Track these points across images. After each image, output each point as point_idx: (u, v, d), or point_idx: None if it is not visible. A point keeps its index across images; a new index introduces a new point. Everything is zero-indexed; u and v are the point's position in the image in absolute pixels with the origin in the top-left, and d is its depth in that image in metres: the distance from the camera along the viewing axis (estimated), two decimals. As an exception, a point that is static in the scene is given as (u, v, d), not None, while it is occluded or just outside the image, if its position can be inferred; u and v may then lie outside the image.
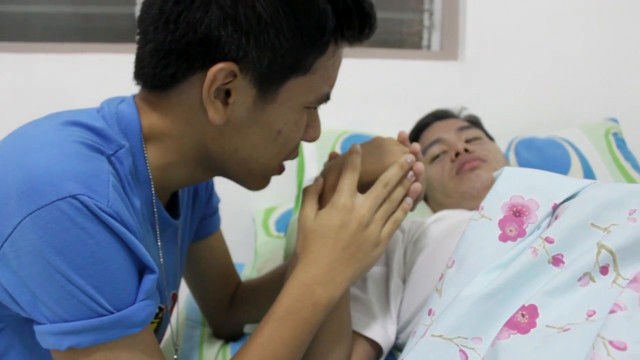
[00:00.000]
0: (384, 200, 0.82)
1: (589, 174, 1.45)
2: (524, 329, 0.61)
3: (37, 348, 0.64)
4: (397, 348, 0.96)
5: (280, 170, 0.82)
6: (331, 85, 0.76)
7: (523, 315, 0.62)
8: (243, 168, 0.77)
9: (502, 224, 0.74)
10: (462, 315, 0.66)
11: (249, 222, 1.62)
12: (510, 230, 0.73)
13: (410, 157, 0.84)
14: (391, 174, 0.83)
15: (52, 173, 0.59)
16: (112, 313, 0.61)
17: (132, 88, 0.80)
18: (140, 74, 0.73)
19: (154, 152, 0.74)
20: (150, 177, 0.74)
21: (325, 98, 0.77)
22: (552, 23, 1.79)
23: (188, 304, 1.22)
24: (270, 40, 0.66)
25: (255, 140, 0.74)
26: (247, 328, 1.10)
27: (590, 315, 0.60)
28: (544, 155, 1.48)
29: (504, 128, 1.65)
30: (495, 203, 0.76)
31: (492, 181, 1.16)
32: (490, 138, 1.37)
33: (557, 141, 1.53)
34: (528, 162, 1.46)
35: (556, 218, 0.72)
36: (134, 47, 0.74)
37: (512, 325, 0.61)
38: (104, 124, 0.71)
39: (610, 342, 0.51)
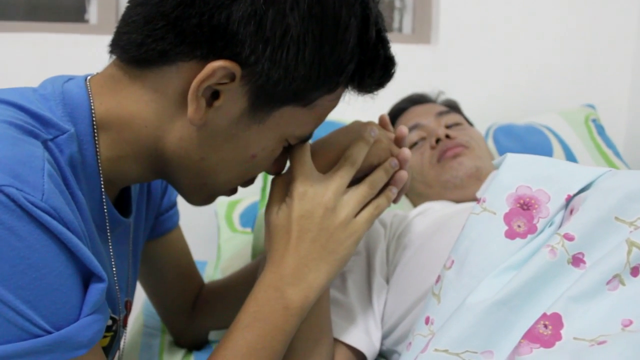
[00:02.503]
0: (359, 181, 0.73)
1: (572, 161, 1.40)
2: (547, 342, 0.52)
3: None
4: (382, 355, 0.87)
5: (231, 193, 0.73)
6: (317, 126, 0.69)
7: (545, 326, 0.53)
8: (199, 180, 0.68)
9: (508, 218, 0.66)
10: (471, 326, 0.58)
11: (211, 215, 1.52)
12: (519, 226, 0.65)
13: (374, 132, 0.74)
14: (354, 149, 0.72)
15: None
16: (50, 333, 0.52)
17: (78, 71, 0.69)
18: (121, 40, 0.62)
19: (106, 141, 0.63)
20: (100, 168, 0.63)
21: (307, 138, 0.70)
22: (528, 6, 1.74)
23: (145, 309, 1.11)
24: (288, 57, 0.59)
25: (225, 156, 0.65)
26: (212, 335, 1.01)
27: (626, 326, 0.51)
28: (525, 142, 1.42)
29: (479, 114, 1.58)
30: (498, 195, 0.67)
31: (476, 169, 1.10)
32: (470, 124, 1.29)
33: (536, 128, 1.48)
34: (508, 150, 1.39)
35: (571, 211, 0.63)
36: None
37: (533, 337, 0.53)
38: (43, 105, 0.60)
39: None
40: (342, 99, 0.69)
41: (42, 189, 0.51)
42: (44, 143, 0.56)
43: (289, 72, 0.60)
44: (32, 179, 0.51)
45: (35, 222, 0.50)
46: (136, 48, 0.60)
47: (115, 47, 0.63)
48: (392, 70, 0.67)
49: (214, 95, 0.61)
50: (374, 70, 0.65)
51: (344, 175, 0.71)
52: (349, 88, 0.67)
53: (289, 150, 0.71)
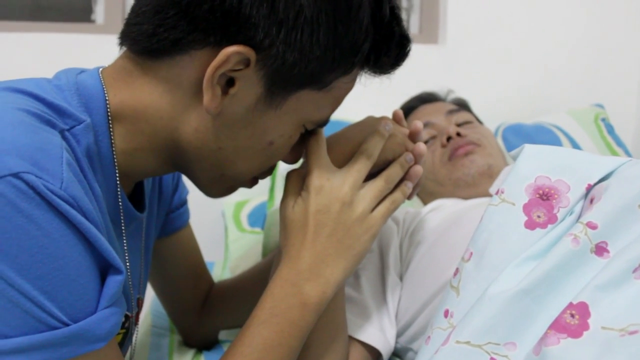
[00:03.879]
0: (373, 176, 0.71)
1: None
2: (575, 332, 0.51)
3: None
4: (396, 354, 0.86)
5: (252, 183, 0.71)
6: (334, 110, 0.68)
7: (572, 315, 0.52)
8: (216, 171, 0.67)
9: (527, 209, 0.65)
10: (493, 316, 0.56)
11: (217, 216, 1.51)
12: (538, 216, 0.64)
13: (388, 126, 0.73)
14: (370, 143, 0.71)
15: None
16: (67, 325, 0.50)
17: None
18: (131, 32, 0.61)
19: (121, 133, 0.62)
20: (115, 161, 0.62)
21: (324, 122, 0.68)
22: (536, 6, 1.73)
23: (153, 309, 1.09)
24: (302, 39, 0.58)
25: (242, 144, 0.64)
26: (223, 335, 0.99)
27: (656, 315, 0.50)
28: (534, 141, 1.41)
29: (487, 114, 1.57)
30: (517, 185, 0.66)
31: (488, 167, 1.08)
32: (480, 122, 1.28)
33: (546, 127, 1.47)
34: (518, 149, 1.39)
35: (591, 200, 0.62)
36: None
37: (560, 327, 0.51)
38: (58, 95, 0.59)
39: None
40: (357, 81, 0.67)
41: (61, 177, 0.50)
42: (61, 133, 0.55)
43: (304, 54, 0.58)
44: (51, 167, 0.50)
45: (54, 211, 0.49)
46: (147, 39, 0.59)
47: (126, 38, 0.62)
48: (408, 48, 0.66)
49: (229, 82, 0.59)
50: (390, 48, 0.64)
51: (360, 169, 0.70)
52: (365, 69, 0.66)
53: (306, 137, 0.70)
